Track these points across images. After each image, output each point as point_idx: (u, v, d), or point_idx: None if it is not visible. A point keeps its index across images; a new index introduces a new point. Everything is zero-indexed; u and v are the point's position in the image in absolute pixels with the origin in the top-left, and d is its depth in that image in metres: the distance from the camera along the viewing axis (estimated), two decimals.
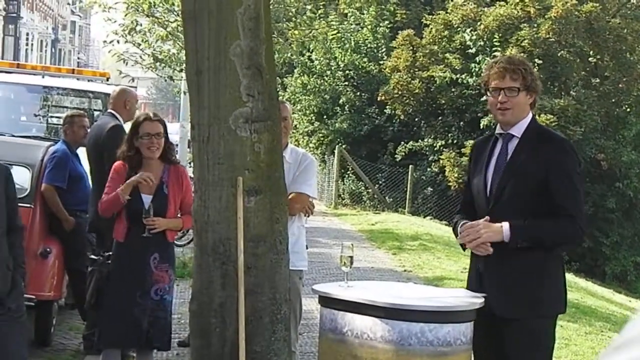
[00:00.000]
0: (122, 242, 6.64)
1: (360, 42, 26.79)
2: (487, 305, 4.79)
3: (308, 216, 6.67)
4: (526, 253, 4.77)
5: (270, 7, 6.31)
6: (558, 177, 4.73)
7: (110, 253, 6.76)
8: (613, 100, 23.71)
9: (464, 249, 5.10)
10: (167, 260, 6.72)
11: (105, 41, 20.62)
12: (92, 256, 7.13)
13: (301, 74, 27.31)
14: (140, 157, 6.70)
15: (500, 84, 4.86)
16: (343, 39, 26.53)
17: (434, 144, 24.21)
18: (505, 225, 4.74)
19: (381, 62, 26.08)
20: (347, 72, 26.60)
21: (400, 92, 24.43)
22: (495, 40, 23.18)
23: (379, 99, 24.95)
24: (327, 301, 4.91)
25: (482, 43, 23.73)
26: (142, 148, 6.66)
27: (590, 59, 23.48)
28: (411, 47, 24.86)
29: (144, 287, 6.58)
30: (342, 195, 25.95)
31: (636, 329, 1.44)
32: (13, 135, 11.79)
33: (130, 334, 6.60)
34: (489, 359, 5.01)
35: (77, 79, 15.10)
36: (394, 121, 25.40)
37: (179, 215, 6.80)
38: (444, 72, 23.80)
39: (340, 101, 26.22)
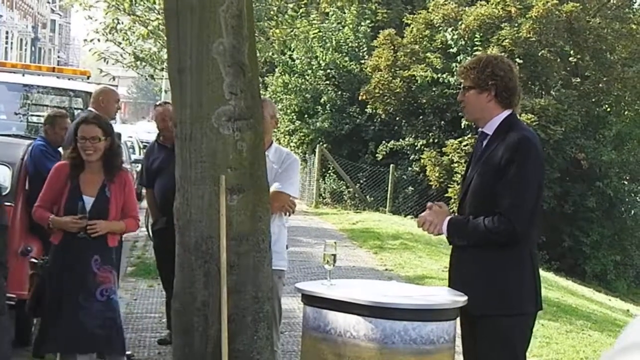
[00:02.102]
0: (58, 244, 6.44)
1: (341, 41, 26.80)
2: None
3: (289, 215, 6.65)
4: (485, 250, 4.79)
5: (252, 5, 6.29)
6: (504, 173, 4.72)
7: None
8: (593, 99, 23.80)
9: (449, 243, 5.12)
10: (109, 262, 6.49)
11: (85, 40, 20.60)
12: (33, 260, 6.83)
13: (282, 73, 27.29)
14: (82, 159, 6.47)
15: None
16: (324, 38, 26.55)
17: (415, 143, 24.25)
18: (446, 220, 4.88)
19: (362, 62, 26.10)
20: (328, 71, 26.60)
21: (381, 92, 24.45)
22: (476, 39, 23.23)
23: (360, 98, 24.96)
24: (310, 299, 4.90)
25: (463, 42, 23.78)
26: (80, 151, 6.45)
27: (570, 58, 23.57)
28: (392, 47, 24.88)
29: (87, 289, 6.35)
30: (323, 195, 25.96)
31: None
32: None
33: (73, 339, 6.36)
34: (466, 356, 5.05)
35: (58, 78, 15.02)
36: (375, 120, 25.42)
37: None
38: (425, 72, 23.83)
39: (322, 100, 26.22)
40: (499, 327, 4.78)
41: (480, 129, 5.01)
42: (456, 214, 5.05)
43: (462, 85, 5.03)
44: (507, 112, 4.89)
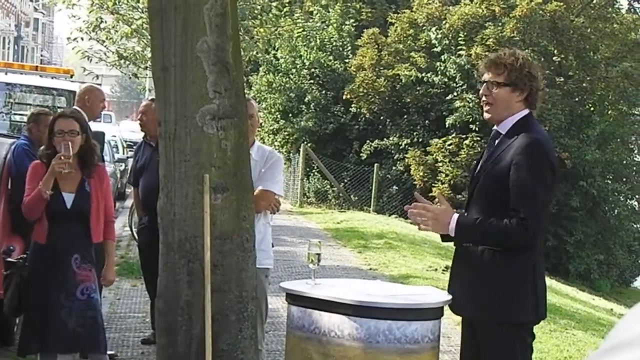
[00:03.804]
0: (42, 244, 6.40)
1: (325, 40, 26.79)
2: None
3: (274, 213, 6.66)
4: (488, 255, 4.68)
5: (237, 4, 6.27)
6: (516, 176, 4.60)
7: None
8: (577, 99, 23.87)
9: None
10: (89, 260, 6.47)
11: (69, 38, 20.51)
12: (10, 259, 6.75)
13: (266, 72, 27.26)
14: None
15: (485, 77, 4.85)
16: (308, 37, 26.54)
17: (399, 143, 24.27)
18: (454, 221, 4.68)
19: (346, 61, 26.10)
20: (312, 70, 26.59)
21: (365, 91, 24.47)
22: (460, 39, 23.27)
23: (344, 97, 24.97)
24: (294, 299, 4.90)
25: (447, 42, 23.82)
26: (57, 146, 6.41)
27: (554, 58, 23.62)
28: (376, 46, 24.91)
29: (68, 288, 6.33)
30: (307, 194, 25.94)
31: (629, 332, 1.42)
32: None
33: (55, 339, 6.33)
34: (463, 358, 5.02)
35: (41, 76, 14.94)
36: (359, 120, 25.43)
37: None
38: (409, 71, 23.86)
39: (306, 99, 26.20)
40: (491, 334, 4.71)
41: (494, 128, 4.87)
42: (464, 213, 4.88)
43: (488, 80, 4.82)
44: (524, 112, 4.77)
